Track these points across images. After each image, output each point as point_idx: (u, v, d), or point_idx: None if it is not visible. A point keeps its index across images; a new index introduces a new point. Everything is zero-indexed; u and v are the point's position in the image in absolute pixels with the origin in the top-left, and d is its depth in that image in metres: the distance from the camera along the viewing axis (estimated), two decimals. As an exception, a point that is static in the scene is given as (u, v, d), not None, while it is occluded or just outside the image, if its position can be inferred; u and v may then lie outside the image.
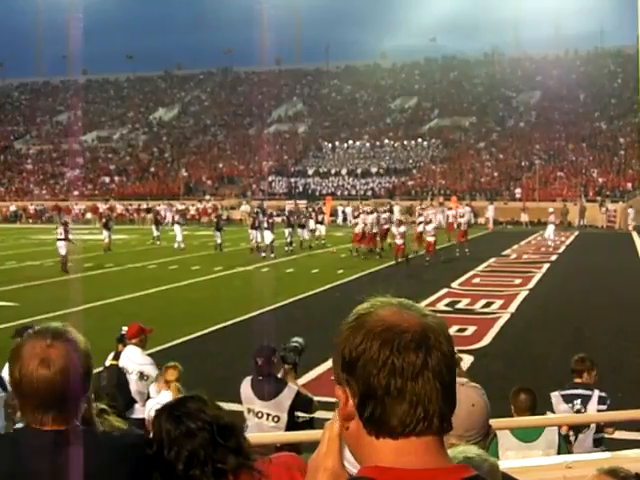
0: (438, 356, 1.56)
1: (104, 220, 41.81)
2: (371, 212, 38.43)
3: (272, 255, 34.31)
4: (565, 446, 6.65)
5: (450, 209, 46.27)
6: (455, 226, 40.24)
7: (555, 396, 7.80)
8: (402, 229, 31.67)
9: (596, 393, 7.76)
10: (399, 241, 31.33)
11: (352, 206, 59.46)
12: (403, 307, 1.62)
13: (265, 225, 36.55)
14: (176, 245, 39.72)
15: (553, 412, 7.53)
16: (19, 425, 2.53)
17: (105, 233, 38.81)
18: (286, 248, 36.59)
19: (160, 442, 2.78)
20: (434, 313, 1.65)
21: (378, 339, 1.55)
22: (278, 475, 2.68)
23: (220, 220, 40.88)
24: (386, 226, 37.45)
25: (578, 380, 7.95)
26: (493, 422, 6.05)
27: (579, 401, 7.66)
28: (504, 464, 3.98)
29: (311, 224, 42.16)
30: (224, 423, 2.81)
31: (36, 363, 2.31)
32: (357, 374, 1.58)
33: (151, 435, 2.82)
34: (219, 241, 38.12)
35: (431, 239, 32.59)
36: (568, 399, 7.71)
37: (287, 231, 38.27)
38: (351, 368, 1.59)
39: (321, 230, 42.24)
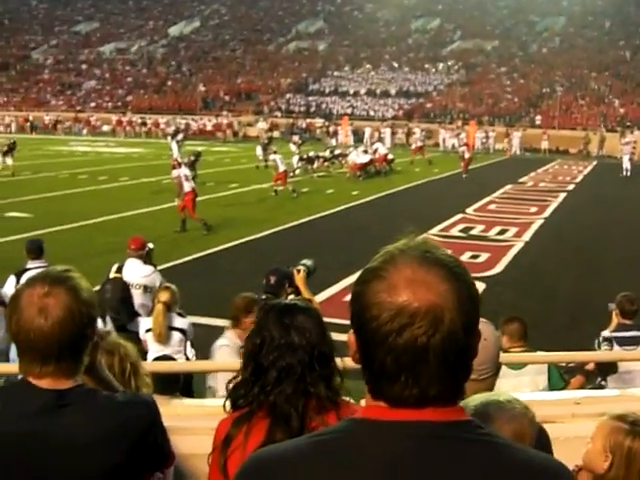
0: (443, 336, 1.50)
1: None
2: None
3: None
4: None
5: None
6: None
7: (606, 337, 7.36)
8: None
9: None
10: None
11: (371, 127, 58.98)
12: (425, 263, 1.53)
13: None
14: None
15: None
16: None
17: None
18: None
19: (261, 341, 2.74)
20: (459, 264, 1.58)
21: (384, 315, 1.49)
22: None
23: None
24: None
25: (628, 321, 7.47)
26: (536, 356, 5.99)
27: (633, 346, 7.25)
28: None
29: (333, 143, 41.84)
30: (324, 349, 2.76)
31: (33, 313, 2.18)
32: (361, 338, 1.55)
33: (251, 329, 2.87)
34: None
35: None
36: (622, 342, 7.29)
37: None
38: (359, 328, 1.55)
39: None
